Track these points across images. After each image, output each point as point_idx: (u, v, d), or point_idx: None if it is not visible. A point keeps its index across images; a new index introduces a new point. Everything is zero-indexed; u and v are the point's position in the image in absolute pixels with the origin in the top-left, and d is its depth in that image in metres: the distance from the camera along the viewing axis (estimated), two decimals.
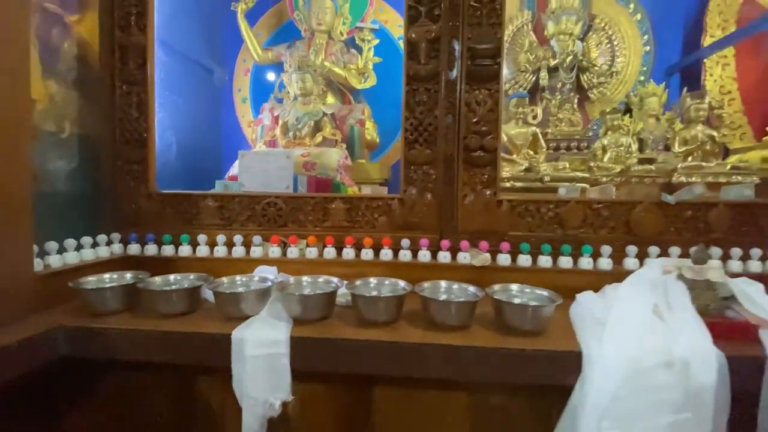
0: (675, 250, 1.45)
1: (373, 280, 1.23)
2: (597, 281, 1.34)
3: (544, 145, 1.90)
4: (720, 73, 2.39)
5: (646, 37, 2.57)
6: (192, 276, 1.27)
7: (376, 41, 2.52)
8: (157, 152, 1.75)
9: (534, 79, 2.51)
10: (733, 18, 2.47)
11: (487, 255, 1.47)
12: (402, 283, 1.22)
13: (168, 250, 1.57)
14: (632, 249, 1.46)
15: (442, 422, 1.19)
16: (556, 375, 1.01)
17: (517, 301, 1.15)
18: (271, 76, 2.63)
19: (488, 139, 1.52)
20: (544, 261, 1.47)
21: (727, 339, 1.05)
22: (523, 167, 1.75)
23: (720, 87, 2.38)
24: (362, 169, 2.10)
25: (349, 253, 1.51)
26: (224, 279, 1.21)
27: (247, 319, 1.09)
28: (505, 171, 1.81)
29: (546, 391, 1.07)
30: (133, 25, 1.67)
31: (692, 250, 1.19)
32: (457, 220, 1.56)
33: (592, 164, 1.81)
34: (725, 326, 1.05)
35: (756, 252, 1.46)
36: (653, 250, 1.45)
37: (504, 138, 1.88)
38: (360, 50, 2.57)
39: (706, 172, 1.69)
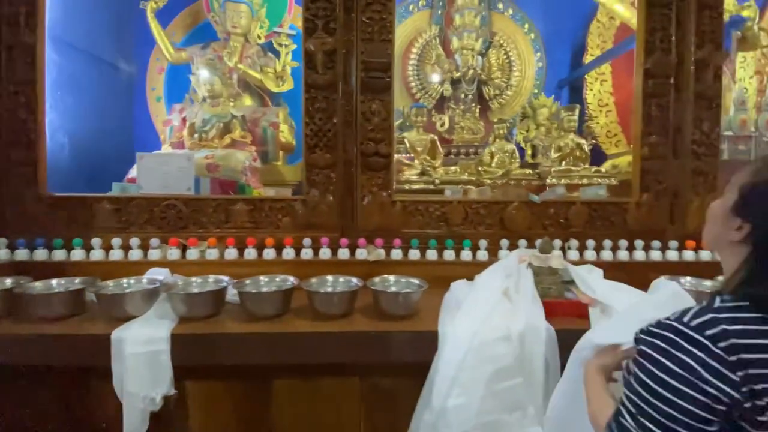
0: (539, 243, 1.68)
1: (263, 278, 1.31)
2: (475, 271, 1.51)
3: (441, 151, 2.09)
4: (599, 88, 2.76)
5: (539, 54, 2.89)
6: (77, 280, 1.26)
7: (294, 46, 2.59)
8: (57, 154, 1.68)
9: (442, 89, 2.72)
10: (610, 39, 2.86)
11: (382, 251, 1.61)
12: (291, 279, 1.30)
13: (59, 255, 1.53)
14: (505, 242, 1.68)
15: (339, 407, 1.29)
16: (422, 353, 1.15)
17: (392, 289, 1.29)
18: (188, 76, 2.59)
19: (382, 145, 1.66)
20: (431, 254, 1.64)
21: (561, 315, 1.27)
22: (419, 171, 1.92)
23: (599, 100, 2.74)
24: (276, 171, 2.16)
25: (250, 253, 1.57)
26: (110, 282, 1.22)
27: (131, 320, 1.12)
28: (407, 174, 1.97)
29: (428, 370, 1.20)
30: (22, 23, 1.60)
31: (539, 241, 1.39)
32: (356, 219, 1.68)
33: (480, 168, 2.03)
34: (559, 305, 1.26)
35: (607, 243, 1.73)
36: (522, 242, 1.67)
37: (406, 144, 2.05)
38: (278, 54, 2.62)
39: (574, 175, 1.97)
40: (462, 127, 2.63)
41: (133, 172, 1.83)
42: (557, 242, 1.69)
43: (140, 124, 2.91)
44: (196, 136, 1.99)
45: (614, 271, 1.62)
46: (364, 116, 1.66)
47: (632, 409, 0.61)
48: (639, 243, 1.74)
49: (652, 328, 0.63)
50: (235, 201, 1.65)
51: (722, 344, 0.56)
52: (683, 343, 0.58)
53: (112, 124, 2.56)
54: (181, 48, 2.64)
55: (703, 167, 1.80)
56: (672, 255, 1.73)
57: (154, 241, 1.54)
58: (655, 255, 1.73)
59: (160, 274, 1.32)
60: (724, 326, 0.58)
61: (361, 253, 1.60)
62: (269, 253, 1.57)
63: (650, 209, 1.80)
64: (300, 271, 1.46)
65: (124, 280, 1.25)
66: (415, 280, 1.31)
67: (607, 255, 1.72)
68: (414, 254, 1.64)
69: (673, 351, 0.59)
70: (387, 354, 1.18)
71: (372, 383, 1.29)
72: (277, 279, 1.31)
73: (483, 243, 1.66)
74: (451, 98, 2.72)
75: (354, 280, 1.30)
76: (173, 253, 1.53)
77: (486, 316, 1.16)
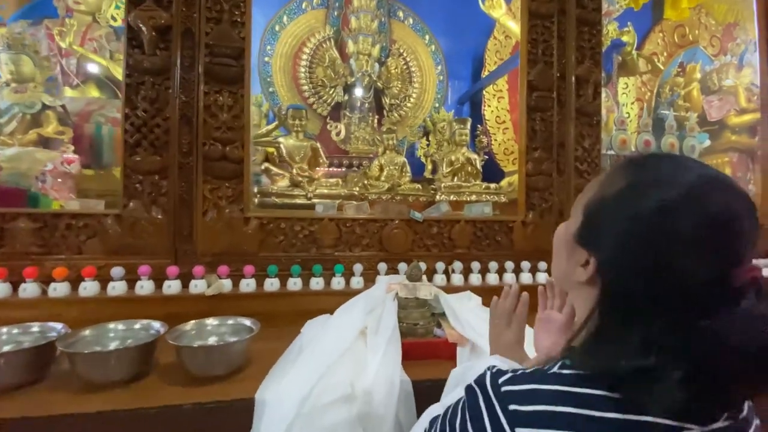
0: (422, 266, 1.47)
1: (7, 330, 0.89)
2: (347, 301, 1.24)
3: (325, 160, 1.83)
4: (497, 105, 2.74)
5: (440, 67, 2.82)
6: None
7: None
8: None
9: (335, 94, 2.49)
10: (507, 57, 2.86)
11: (223, 282, 1.27)
12: (57, 328, 0.91)
13: None
14: (383, 266, 1.44)
15: None
16: (239, 429, 0.84)
17: (211, 339, 0.96)
18: None
19: (233, 147, 1.34)
20: (293, 284, 1.34)
21: (424, 359, 1.04)
22: (288, 183, 1.64)
23: (496, 117, 2.73)
24: (111, 180, 1.71)
25: (27, 289, 1.13)
26: None
27: None
28: (278, 186, 1.67)
29: None
30: None
31: (408, 266, 1.17)
32: (195, 241, 1.32)
33: (366, 182, 1.82)
34: (421, 346, 1.03)
35: (493, 265, 1.58)
36: (402, 266, 1.45)
37: (282, 151, 1.76)
38: None
39: (464, 191, 1.83)
40: (357, 137, 2.41)
41: None
42: (440, 265, 1.50)
43: None
44: None
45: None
46: (209, 111, 1.33)
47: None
48: (526, 265, 1.61)
49: (480, 372, 0.46)
50: (14, 216, 1.20)
51: (522, 430, 0.38)
52: (480, 404, 0.43)
53: None
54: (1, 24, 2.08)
55: (586, 185, 1.76)
56: None
57: None
58: (542, 278, 1.61)
59: None
60: (540, 406, 0.39)
61: (197, 286, 1.25)
62: (59, 289, 1.15)
63: (536, 228, 1.70)
64: (102, 313, 1.08)
65: None
66: (246, 322, 1.00)
67: (492, 279, 1.56)
68: (271, 284, 1.32)
69: (467, 408, 0.45)
70: None
71: None
72: (35, 329, 0.91)
73: (358, 268, 1.41)
74: (346, 106, 2.50)
75: (155, 326, 0.94)
76: None
77: (327, 370, 0.88)
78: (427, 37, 2.80)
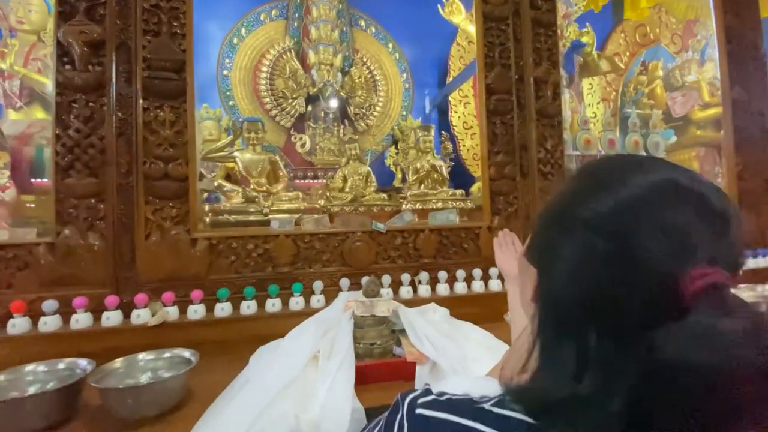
0: (387, 279, 1.42)
1: None
2: None
3: (284, 173, 1.77)
4: (463, 110, 2.73)
5: (405, 75, 2.80)
6: None
7: None
8: None
9: (296, 104, 2.43)
10: (470, 62, 2.85)
11: (168, 309, 1.18)
12: None
13: None
14: (346, 282, 1.38)
15: None
16: None
17: (144, 377, 0.87)
18: None
19: (175, 165, 1.27)
20: (246, 307, 1.26)
21: (383, 381, 0.98)
22: (242, 199, 1.57)
23: (463, 122, 2.71)
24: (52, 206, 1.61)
25: None
26: None
27: None
28: (233, 203, 1.59)
29: None
30: None
31: (364, 281, 1.11)
32: (137, 267, 1.24)
33: (328, 194, 1.75)
34: (377, 369, 0.97)
35: (461, 273, 1.53)
36: (366, 281, 1.39)
37: (239, 165, 1.69)
38: None
39: (430, 198, 1.79)
40: (322, 148, 2.36)
41: None
42: (406, 277, 1.44)
43: None
44: None
45: (468, 306, 1.41)
46: (149, 127, 1.26)
47: None
48: (494, 271, 1.57)
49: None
50: None
51: None
52: (395, 422, 0.38)
53: None
54: None
55: (551, 187, 1.74)
56: None
57: None
58: None
59: None
60: None
61: (141, 316, 1.16)
62: None
63: None
64: (33, 352, 0.99)
65: None
66: (185, 353, 0.92)
67: (461, 287, 1.51)
68: (222, 309, 1.24)
69: (384, 424, 0.40)
70: None
71: None
72: None
73: (318, 285, 1.34)
74: (310, 117, 2.45)
75: (81, 364, 0.86)
76: None
77: (269, 404, 0.81)
78: (390, 45, 2.78)
